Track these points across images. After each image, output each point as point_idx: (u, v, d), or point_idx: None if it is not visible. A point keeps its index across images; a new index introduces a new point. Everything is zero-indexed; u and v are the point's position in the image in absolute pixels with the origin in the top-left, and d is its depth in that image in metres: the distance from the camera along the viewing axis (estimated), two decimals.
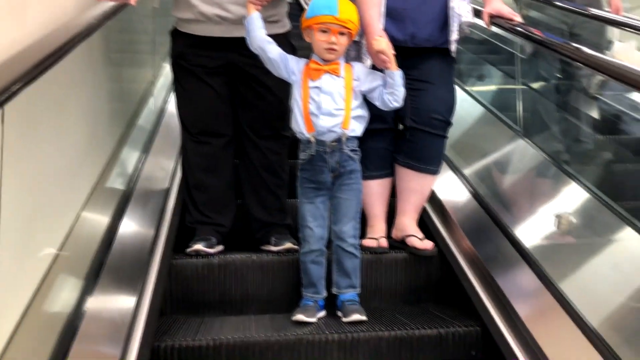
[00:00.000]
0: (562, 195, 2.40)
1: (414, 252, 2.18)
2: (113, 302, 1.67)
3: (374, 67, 2.01)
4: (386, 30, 2.04)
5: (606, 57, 2.05)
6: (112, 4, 1.80)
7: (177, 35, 2.16)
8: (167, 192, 2.31)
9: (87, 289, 1.60)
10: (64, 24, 1.58)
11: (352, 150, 1.96)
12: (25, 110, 1.35)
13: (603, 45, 3.18)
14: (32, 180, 1.49)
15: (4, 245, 1.28)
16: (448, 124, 2.20)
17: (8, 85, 1.05)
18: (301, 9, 5.59)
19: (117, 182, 2.12)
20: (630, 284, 1.79)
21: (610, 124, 3.19)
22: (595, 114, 3.18)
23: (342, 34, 1.89)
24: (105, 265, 1.70)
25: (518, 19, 2.17)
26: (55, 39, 1.40)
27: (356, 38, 2.04)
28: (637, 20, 2.48)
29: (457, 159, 2.64)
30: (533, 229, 2.15)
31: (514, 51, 3.10)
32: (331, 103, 1.90)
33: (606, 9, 3.27)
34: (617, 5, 3.29)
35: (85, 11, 1.70)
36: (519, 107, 2.93)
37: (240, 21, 2.00)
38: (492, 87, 3.74)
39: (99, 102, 2.13)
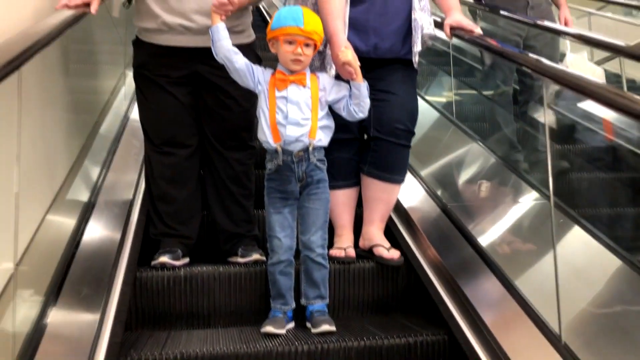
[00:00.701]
0: (521, 202, 2.47)
1: (381, 261, 2.19)
2: (75, 317, 1.62)
3: (337, 77, 2.02)
4: (349, 40, 2.06)
5: (562, 67, 2.13)
6: (71, 12, 1.76)
7: (139, 45, 2.13)
8: (130, 203, 2.26)
9: (48, 304, 1.55)
10: (22, 31, 1.53)
11: (319, 160, 1.96)
12: None
13: (556, 56, 3.30)
14: None
15: None
16: (411, 133, 2.23)
17: None
18: (263, 20, 5.60)
19: (79, 193, 2.06)
20: (589, 288, 1.85)
21: (566, 133, 3.30)
22: (551, 123, 3.29)
23: (307, 45, 1.90)
24: (67, 279, 1.65)
25: (478, 30, 2.23)
26: (14, 46, 1.35)
27: (320, 48, 2.06)
28: (587, 32, 2.59)
29: (421, 167, 2.68)
30: (495, 236, 2.20)
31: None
32: (298, 113, 1.90)
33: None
34: (567, 18, 3.43)
35: (45, 19, 1.66)
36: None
37: (204, 31, 1.99)
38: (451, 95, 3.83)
39: (57, 113, 2.08)
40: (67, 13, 1.75)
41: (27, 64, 1.38)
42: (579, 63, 3.15)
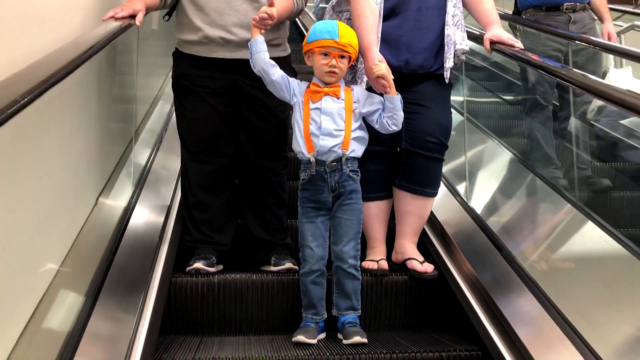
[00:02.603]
0: (562, 220, 2.41)
1: (414, 275, 2.17)
2: (113, 319, 1.66)
3: (370, 90, 2.04)
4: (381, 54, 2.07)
5: (605, 82, 2.08)
6: (117, 23, 1.83)
7: (179, 56, 2.19)
8: (167, 210, 2.31)
9: (88, 306, 1.59)
10: (72, 41, 1.60)
11: (352, 171, 1.97)
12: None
13: (599, 72, 3.23)
14: (36, 192, 1.50)
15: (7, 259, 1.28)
16: (444, 146, 2.22)
17: (19, 97, 1.05)
18: (300, 33, 5.69)
19: (119, 199, 2.12)
20: (632, 311, 1.78)
21: (608, 150, 3.22)
22: (593, 140, 3.22)
23: (342, 57, 1.92)
24: (106, 281, 1.69)
25: (519, 45, 2.21)
26: (65, 54, 1.43)
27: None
28: (633, 48, 2.53)
29: (456, 180, 2.65)
30: (533, 252, 2.15)
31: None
32: (331, 124, 1.92)
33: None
34: (611, 33, 3.36)
35: (93, 29, 1.73)
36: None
37: (243, 44, 2.04)
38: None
39: (105, 116, 2.15)
40: (113, 25, 1.82)
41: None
42: (623, 79, 3.07)
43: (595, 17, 3.40)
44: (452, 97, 2.35)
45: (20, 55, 1.40)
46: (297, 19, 6.32)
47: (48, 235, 1.58)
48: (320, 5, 6.33)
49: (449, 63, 2.18)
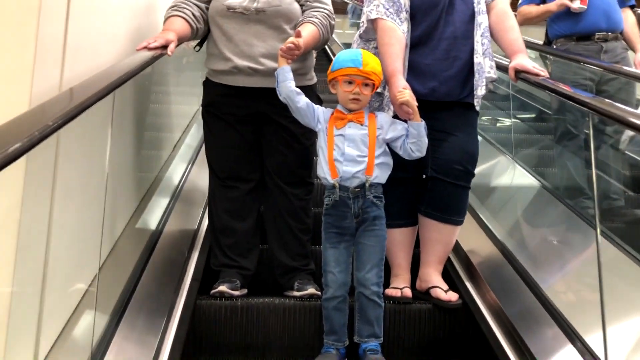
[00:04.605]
0: (591, 251, 2.36)
1: (438, 303, 2.15)
2: (136, 339, 1.69)
3: (396, 118, 2.06)
4: (407, 83, 2.10)
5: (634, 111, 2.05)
6: (150, 53, 1.91)
7: (209, 85, 2.27)
8: (195, 234, 2.36)
9: (112, 326, 1.64)
10: (106, 69, 1.69)
11: (375, 197, 1.98)
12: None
13: (632, 101, 3.18)
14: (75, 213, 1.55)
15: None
16: (470, 174, 2.21)
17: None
18: (329, 60, 5.79)
19: (147, 223, 2.18)
20: None
21: None
22: (625, 169, 3.15)
23: (366, 85, 1.96)
24: (131, 300, 1.74)
25: (544, 74, 2.20)
26: (99, 81, 1.52)
27: (379, 89, 2.11)
28: None
29: (482, 209, 2.63)
30: (561, 286, 2.10)
31: None
32: (354, 150, 1.95)
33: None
34: None
35: (127, 58, 1.82)
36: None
37: (270, 73, 2.10)
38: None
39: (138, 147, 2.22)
40: (146, 54, 1.91)
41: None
42: None
43: (628, 47, 3.36)
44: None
45: (56, 83, 1.49)
46: (327, 48, 6.45)
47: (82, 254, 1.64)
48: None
49: (480, 91, 2.19)
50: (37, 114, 1.25)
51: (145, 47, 1.95)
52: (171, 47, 2.01)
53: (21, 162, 1.08)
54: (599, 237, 1.88)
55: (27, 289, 1.40)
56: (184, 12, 2.15)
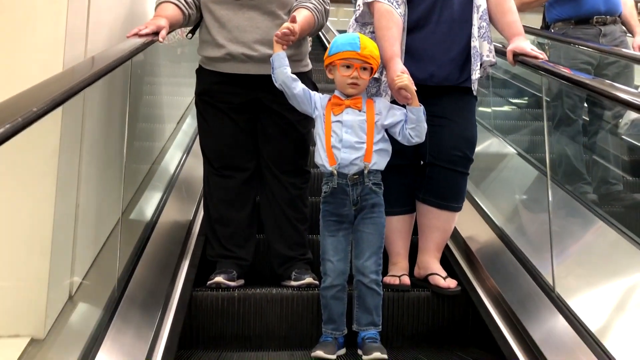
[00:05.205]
0: (591, 236, 2.34)
1: (437, 290, 2.14)
2: (132, 331, 1.67)
3: (394, 103, 2.02)
4: (406, 67, 2.06)
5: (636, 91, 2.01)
6: (141, 40, 1.87)
7: (202, 73, 2.22)
8: (190, 224, 2.32)
9: (107, 315, 1.61)
10: (98, 54, 1.67)
11: (374, 184, 1.95)
12: None
13: (630, 84, 3.15)
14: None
15: None
16: (469, 160, 2.18)
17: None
18: (324, 47, 5.75)
19: (141, 214, 2.15)
20: None
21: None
22: (624, 154, 3.13)
23: (364, 69, 1.92)
24: (126, 292, 1.71)
25: (543, 56, 2.17)
26: (87, 68, 1.53)
27: (376, 75, 2.07)
28: None
29: (480, 196, 2.60)
30: (561, 270, 2.09)
31: None
32: (352, 136, 1.92)
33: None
34: None
35: (118, 44, 1.79)
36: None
37: (265, 59, 2.06)
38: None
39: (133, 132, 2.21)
40: (137, 41, 1.87)
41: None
42: None
43: (626, 31, 3.33)
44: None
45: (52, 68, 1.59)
46: (321, 36, 6.39)
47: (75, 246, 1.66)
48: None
49: (475, 75, 2.16)
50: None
51: (135, 34, 1.90)
52: (162, 33, 1.96)
53: (58, 112, 1.37)
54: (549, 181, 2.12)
55: (64, 223, 1.63)
56: None
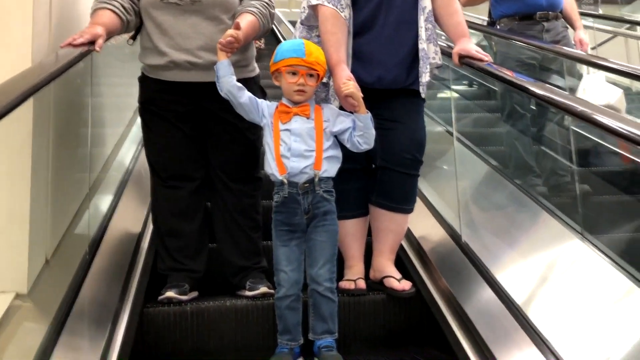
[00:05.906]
0: (539, 232, 2.39)
1: (392, 293, 2.14)
2: (80, 349, 1.61)
3: (342, 109, 2.01)
4: (353, 72, 2.05)
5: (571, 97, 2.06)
6: (77, 51, 1.79)
7: (145, 81, 2.15)
8: (139, 237, 2.26)
9: (52, 337, 1.55)
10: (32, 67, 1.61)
11: (325, 191, 1.94)
12: None
13: (575, 74, 3.24)
14: None
15: None
16: (419, 162, 2.20)
17: None
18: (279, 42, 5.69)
19: (87, 227, 2.08)
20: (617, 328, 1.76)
21: (586, 155, 3.21)
22: (570, 145, 3.21)
23: (310, 75, 1.90)
24: (73, 309, 1.66)
25: (487, 59, 2.19)
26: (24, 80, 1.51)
27: (324, 80, 2.05)
28: (600, 57, 2.54)
29: (432, 195, 2.63)
30: (511, 270, 2.12)
31: None
32: (301, 144, 1.89)
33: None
34: (583, 40, 3.38)
35: (52, 55, 1.72)
36: None
37: (210, 67, 2.01)
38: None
39: (68, 143, 2.14)
40: (73, 51, 1.79)
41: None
42: (596, 84, 3.07)
43: (567, 26, 3.42)
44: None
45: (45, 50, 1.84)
46: (276, 31, 6.31)
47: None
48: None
49: (424, 78, 2.16)
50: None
51: (69, 45, 1.81)
52: (99, 42, 1.87)
53: (30, 103, 1.58)
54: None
55: (39, 197, 1.83)
56: (112, 4, 2.01)
